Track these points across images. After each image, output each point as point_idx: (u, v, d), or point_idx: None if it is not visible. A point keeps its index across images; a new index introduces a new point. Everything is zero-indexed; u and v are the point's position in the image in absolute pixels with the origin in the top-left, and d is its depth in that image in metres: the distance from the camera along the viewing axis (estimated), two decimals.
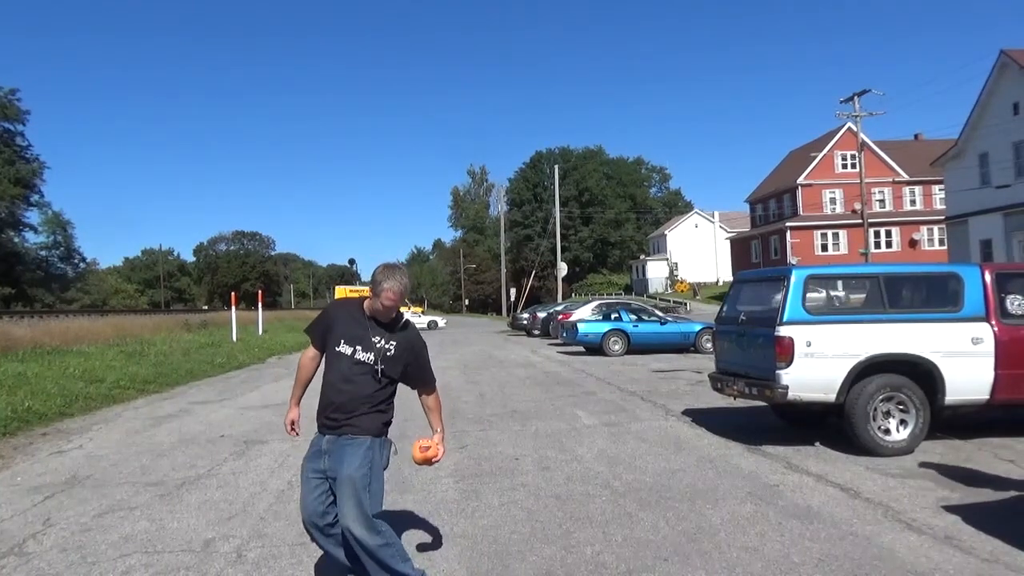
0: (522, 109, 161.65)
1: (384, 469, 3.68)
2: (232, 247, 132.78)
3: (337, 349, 3.66)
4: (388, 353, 3.66)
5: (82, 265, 69.60)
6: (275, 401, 12.01)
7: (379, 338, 3.65)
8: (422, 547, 4.61)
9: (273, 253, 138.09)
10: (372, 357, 3.62)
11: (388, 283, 3.57)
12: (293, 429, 3.91)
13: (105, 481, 6.67)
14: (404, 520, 5.15)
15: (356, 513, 3.44)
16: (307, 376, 3.92)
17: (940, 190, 41.20)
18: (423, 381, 3.88)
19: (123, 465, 7.34)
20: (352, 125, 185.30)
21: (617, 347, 20.95)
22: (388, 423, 3.74)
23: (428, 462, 3.77)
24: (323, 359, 3.79)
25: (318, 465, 3.62)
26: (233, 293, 34.17)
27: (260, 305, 30.93)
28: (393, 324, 3.71)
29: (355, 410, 3.60)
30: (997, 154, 30.95)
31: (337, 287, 68.96)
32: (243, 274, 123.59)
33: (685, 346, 21.26)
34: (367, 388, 3.63)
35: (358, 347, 3.63)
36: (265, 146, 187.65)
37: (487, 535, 4.88)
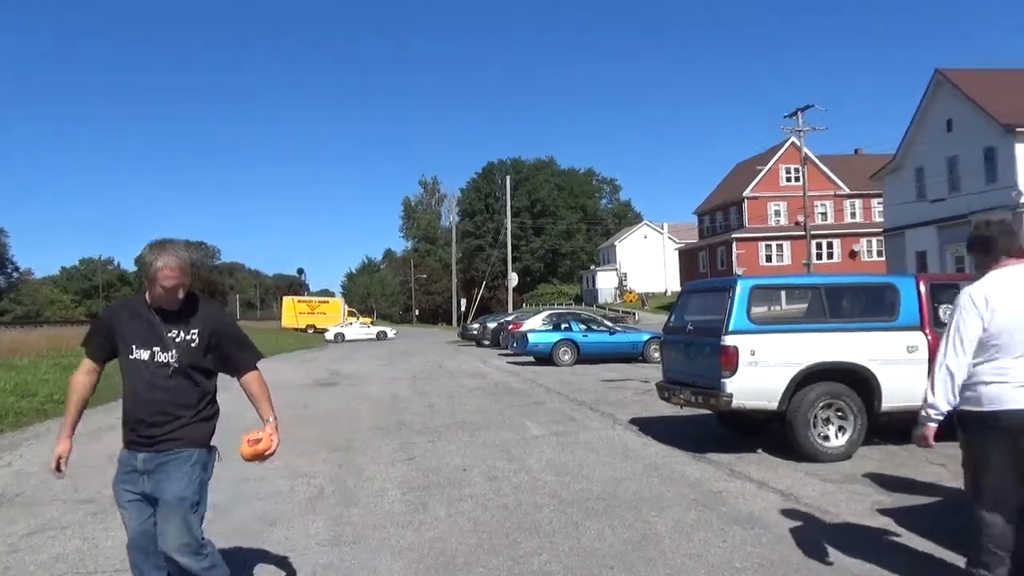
0: (474, 119, 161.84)
1: (207, 481, 3.29)
2: None
3: (132, 357, 3.14)
4: (192, 344, 3.16)
5: (15, 275, 67.30)
6: None
7: (175, 331, 3.14)
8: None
9: (218, 263, 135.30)
10: (175, 355, 3.12)
11: (161, 260, 3.01)
12: (59, 469, 3.28)
13: (35, 499, 6.43)
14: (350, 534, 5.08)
15: (183, 539, 3.08)
16: (82, 397, 3.29)
17: (879, 203, 42.60)
18: (242, 361, 3.34)
19: (54, 482, 7.04)
20: (301, 133, 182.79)
21: (567, 357, 21.07)
22: (214, 430, 3.29)
23: (260, 456, 3.27)
24: (116, 371, 3.26)
25: (137, 487, 3.17)
26: None
27: None
28: (186, 310, 3.17)
29: (175, 419, 3.13)
30: (932, 169, 32.18)
31: (285, 298, 67.72)
32: None
33: (633, 355, 21.48)
34: (183, 393, 3.15)
35: (155, 348, 3.12)
36: (210, 153, 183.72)
37: (434, 547, 4.84)
